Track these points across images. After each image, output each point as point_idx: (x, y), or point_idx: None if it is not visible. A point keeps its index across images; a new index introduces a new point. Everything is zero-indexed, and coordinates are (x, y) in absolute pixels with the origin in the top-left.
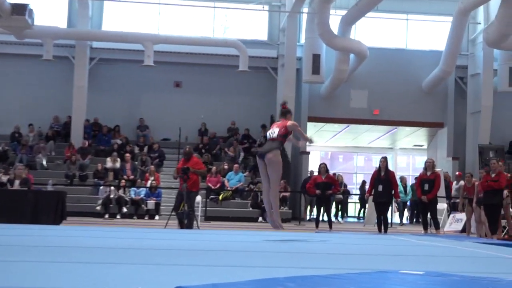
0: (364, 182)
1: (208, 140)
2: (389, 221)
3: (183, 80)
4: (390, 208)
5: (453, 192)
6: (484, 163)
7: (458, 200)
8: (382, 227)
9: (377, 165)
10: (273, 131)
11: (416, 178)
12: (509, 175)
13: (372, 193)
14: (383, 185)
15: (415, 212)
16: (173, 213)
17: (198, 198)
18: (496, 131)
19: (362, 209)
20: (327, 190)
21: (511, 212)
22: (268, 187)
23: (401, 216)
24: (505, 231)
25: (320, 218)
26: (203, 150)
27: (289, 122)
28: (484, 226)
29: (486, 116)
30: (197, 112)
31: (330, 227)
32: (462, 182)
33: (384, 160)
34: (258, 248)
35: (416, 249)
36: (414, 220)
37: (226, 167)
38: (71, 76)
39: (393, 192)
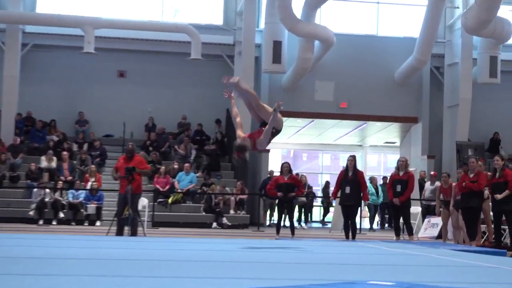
0: (327, 184)
1: (156, 136)
2: (358, 226)
3: (128, 69)
4: (358, 212)
5: (427, 194)
6: (463, 162)
7: (433, 203)
8: (350, 233)
9: (345, 165)
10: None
11: (385, 178)
12: (489, 174)
13: (339, 195)
14: (350, 187)
15: (387, 216)
16: (116, 218)
17: (145, 201)
18: (475, 127)
19: (327, 214)
20: (290, 192)
21: (491, 216)
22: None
23: (371, 221)
24: (484, 237)
25: (282, 223)
26: (151, 148)
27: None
28: (462, 232)
29: (465, 110)
30: (144, 105)
31: (293, 233)
32: (437, 183)
33: (352, 158)
34: (210, 257)
35: (386, 257)
36: (386, 225)
37: (176, 166)
38: (1, 65)
39: (361, 194)
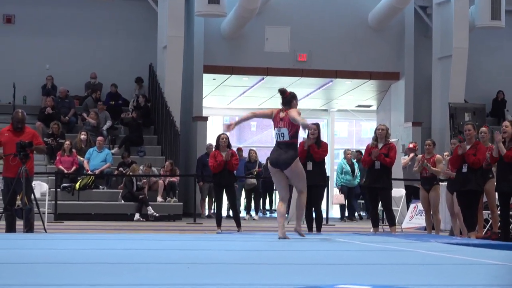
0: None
1: (56, 101)
2: (324, 215)
3: (17, 12)
4: (324, 195)
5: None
6: (458, 130)
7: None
8: (314, 224)
9: (305, 136)
10: (281, 133)
11: (359, 153)
12: (492, 146)
13: None
14: (313, 163)
15: (362, 202)
16: (4, 211)
17: (44, 187)
18: (473, 85)
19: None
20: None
21: (497, 200)
22: (289, 196)
23: (342, 209)
24: (487, 226)
25: (224, 213)
26: (50, 116)
27: (291, 114)
28: (458, 220)
29: (460, 63)
30: (40, 60)
31: (238, 225)
32: (419, 156)
33: (316, 127)
34: (131, 258)
35: (361, 254)
36: (362, 213)
37: (83, 137)
38: None
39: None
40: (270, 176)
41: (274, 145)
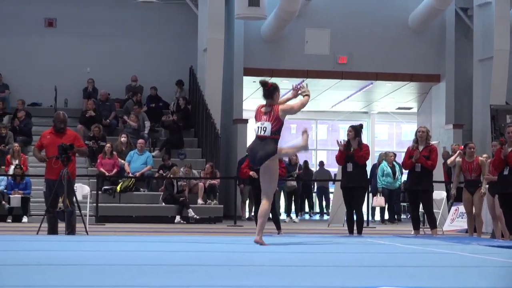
0: (322, 163)
1: (97, 104)
2: (365, 217)
3: (59, 16)
4: (365, 197)
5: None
6: (499, 132)
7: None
8: (355, 226)
9: (346, 137)
10: (264, 126)
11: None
12: None
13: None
14: (353, 164)
15: (404, 205)
16: (46, 213)
17: (86, 189)
18: None
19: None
20: None
21: None
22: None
23: (382, 211)
24: None
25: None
26: (91, 119)
27: (280, 108)
28: (500, 223)
29: (501, 65)
30: (81, 63)
31: (278, 228)
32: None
33: (352, 129)
34: (174, 260)
35: (402, 257)
36: (402, 216)
37: (123, 140)
38: None
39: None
40: (310, 179)
41: (314, 147)
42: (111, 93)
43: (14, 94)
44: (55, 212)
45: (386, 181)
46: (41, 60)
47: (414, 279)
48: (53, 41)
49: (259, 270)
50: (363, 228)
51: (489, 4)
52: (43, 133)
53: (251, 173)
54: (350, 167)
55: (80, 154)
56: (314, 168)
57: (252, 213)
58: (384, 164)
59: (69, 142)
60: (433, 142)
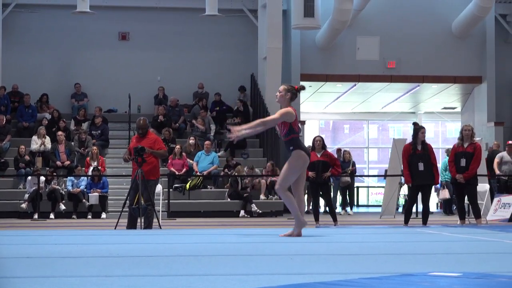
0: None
1: (167, 109)
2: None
3: (131, 30)
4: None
5: (505, 168)
6: None
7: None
8: (421, 218)
9: (395, 136)
10: (278, 132)
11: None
12: None
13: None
14: (424, 163)
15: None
16: (126, 209)
17: (159, 188)
18: None
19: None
20: (324, 171)
21: None
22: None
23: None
24: None
25: (321, 209)
26: (162, 123)
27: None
28: None
29: None
30: (152, 73)
31: (335, 219)
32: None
33: (424, 130)
34: (243, 250)
35: (450, 244)
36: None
37: (192, 142)
38: None
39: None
40: (362, 175)
41: (365, 145)
42: (179, 99)
43: (92, 102)
44: (130, 208)
45: (448, 175)
46: (115, 70)
47: (462, 265)
48: (127, 53)
49: (318, 258)
50: (410, 219)
51: None
52: (132, 138)
53: (310, 174)
54: (421, 166)
55: (158, 156)
56: (367, 164)
57: (310, 207)
58: (446, 159)
59: (148, 145)
60: (476, 139)
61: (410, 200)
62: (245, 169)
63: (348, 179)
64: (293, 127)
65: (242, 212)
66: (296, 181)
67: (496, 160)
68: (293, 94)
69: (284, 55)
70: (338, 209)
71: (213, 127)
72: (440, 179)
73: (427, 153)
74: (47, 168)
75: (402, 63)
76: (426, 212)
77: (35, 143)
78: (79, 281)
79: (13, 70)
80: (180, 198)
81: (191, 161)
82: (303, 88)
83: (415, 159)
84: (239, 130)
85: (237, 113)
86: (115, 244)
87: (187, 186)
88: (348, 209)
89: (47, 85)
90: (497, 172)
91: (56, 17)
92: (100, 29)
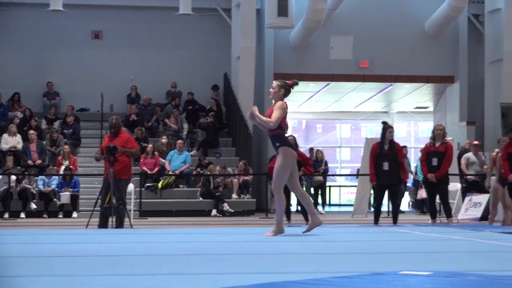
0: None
1: (140, 108)
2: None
3: (104, 29)
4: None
5: (473, 168)
6: (509, 128)
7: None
8: (379, 218)
9: (367, 136)
10: None
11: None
12: None
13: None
14: (389, 163)
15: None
16: (97, 208)
17: (131, 187)
18: None
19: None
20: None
21: None
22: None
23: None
24: None
25: (293, 208)
26: (135, 122)
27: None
28: (510, 211)
29: (511, 66)
30: (125, 72)
31: (306, 219)
32: (492, 153)
33: (392, 129)
34: (214, 249)
35: (421, 243)
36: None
37: (164, 141)
38: None
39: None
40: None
41: (338, 144)
42: (152, 98)
43: (65, 101)
44: (102, 207)
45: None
46: (88, 69)
47: (433, 263)
48: (100, 52)
49: (292, 258)
50: (380, 218)
51: (499, 10)
52: (104, 137)
53: None
54: (385, 166)
55: (130, 155)
56: (339, 164)
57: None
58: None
59: (121, 144)
60: (448, 138)
61: (377, 199)
62: (217, 168)
63: (320, 178)
64: (281, 123)
65: (214, 211)
66: (291, 178)
67: (463, 161)
68: (287, 90)
69: (258, 54)
70: None
71: (185, 126)
72: (416, 178)
73: (394, 152)
74: (18, 167)
75: (375, 62)
76: (396, 211)
77: (6, 142)
78: (51, 280)
79: None
80: (152, 197)
81: (163, 160)
82: (296, 83)
83: (380, 158)
84: (255, 113)
85: (210, 112)
86: (86, 243)
87: (159, 185)
88: (320, 208)
89: (19, 83)
90: (466, 172)
91: (29, 15)
92: (73, 28)
